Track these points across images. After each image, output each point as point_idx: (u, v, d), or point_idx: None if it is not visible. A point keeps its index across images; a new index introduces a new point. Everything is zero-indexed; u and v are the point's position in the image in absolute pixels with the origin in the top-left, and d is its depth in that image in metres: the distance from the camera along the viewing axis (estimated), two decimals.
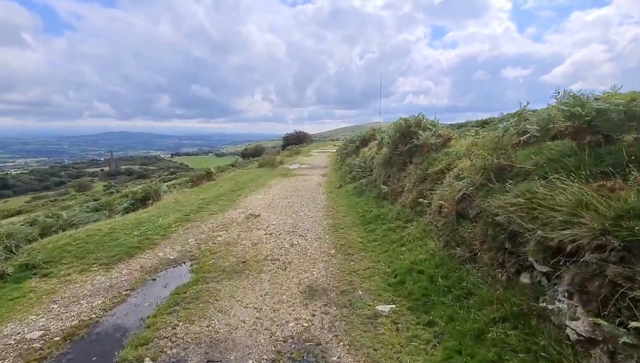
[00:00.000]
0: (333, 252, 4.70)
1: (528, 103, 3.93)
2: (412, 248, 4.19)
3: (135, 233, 5.34)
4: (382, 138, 8.18)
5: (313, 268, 4.21)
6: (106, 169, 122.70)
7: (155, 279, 4.03)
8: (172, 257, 4.62)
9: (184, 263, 4.47)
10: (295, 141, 39.47)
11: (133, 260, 4.50)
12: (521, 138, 3.43)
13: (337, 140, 51.23)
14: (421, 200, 4.45)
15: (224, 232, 5.67)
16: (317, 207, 7.43)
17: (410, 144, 6.45)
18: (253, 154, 51.90)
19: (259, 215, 6.71)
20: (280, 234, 5.54)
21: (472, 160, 3.92)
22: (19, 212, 33.15)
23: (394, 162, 7.20)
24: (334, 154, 24.60)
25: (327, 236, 5.38)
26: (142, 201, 8.33)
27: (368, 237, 5.09)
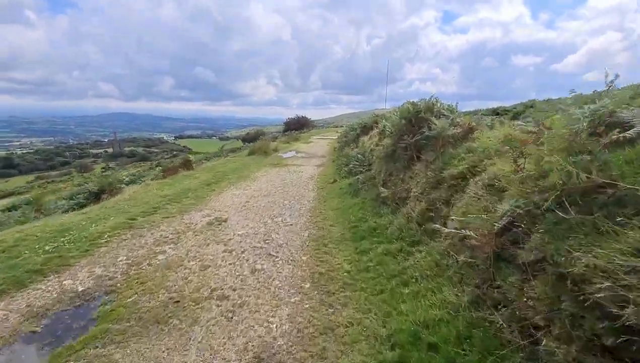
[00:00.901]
0: (307, 286, 3.34)
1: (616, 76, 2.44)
2: (419, 295, 2.81)
3: (48, 247, 4.01)
4: (384, 126, 6.72)
5: (273, 317, 2.86)
6: (110, 150, 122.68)
7: (33, 332, 2.71)
8: (80, 289, 3.29)
9: (94, 299, 3.14)
10: (297, 126, 37.86)
11: (21, 295, 3.17)
12: (619, 135, 1.96)
13: (341, 126, 49.39)
14: (436, 225, 3.02)
15: (172, 246, 4.32)
16: (302, 210, 6.05)
17: (419, 134, 4.97)
18: (254, 138, 50.32)
19: (226, 220, 5.36)
20: (243, 252, 4.18)
21: (519, 166, 2.48)
22: (9, 195, 32.39)
23: (397, 157, 5.74)
24: (334, 142, 23.07)
25: (304, 257, 4.01)
26: (97, 195, 7.02)
27: (358, 264, 3.70)
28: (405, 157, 5.25)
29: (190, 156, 10.37)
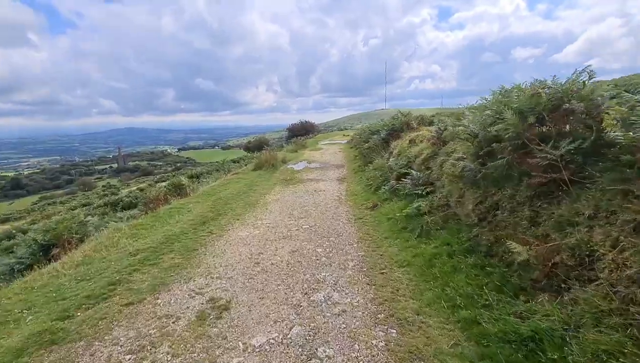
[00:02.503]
0: None
1: None
2: None
3: None
4: (457, 131, 4.46)
5: None
6: (114, 165, 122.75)
7: None
8: None
9: None
10: (301, 132, 35.69)
11: None
12: None
13: (346, 129, 47.13)
14: None
15: None
16: (350, 269, 3.79)
17: (573, 140, 2.71)
18: (256, 147, 48.24)
19: (228, 307, 3.11)
20: None
21: None
22: (4, 221, 30.65)
23: (504, 176, 3.46)
24: (346, 146, 20.82)
25: None
26: (46, 251, 4.84)
27: None
28: (538, 180, 2.96)
29: (183, 180, 8.14)
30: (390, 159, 8.10)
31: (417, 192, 5.27)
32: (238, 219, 6.03)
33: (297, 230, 5.34)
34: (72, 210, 29.03)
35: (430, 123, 12.21)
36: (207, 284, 3.55)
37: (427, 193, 5.12)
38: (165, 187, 8.04)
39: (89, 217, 6.28)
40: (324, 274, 3.69)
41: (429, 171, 5.62)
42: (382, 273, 3.60)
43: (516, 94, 3.38)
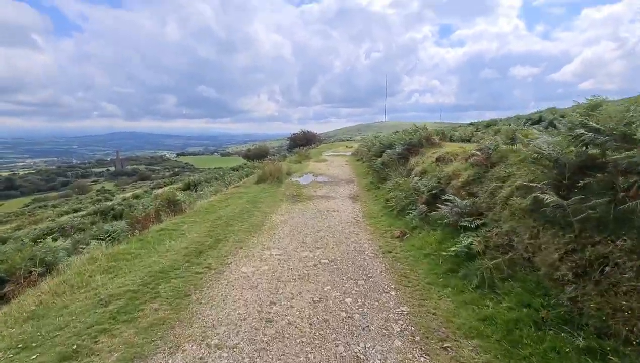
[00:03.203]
0: None
1: None
2: None
3: None
4: (518, 151, 3.52)
5: None
6: (112, 169, 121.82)
7: None
8: None
9: None
10: (303, 142, 34.92)
11: None
12: None
13: (348, 140, 46.35)
14: None
15: None
16: (396, 331, 2.78)
17: None
18: (257, 155, 47.35)
19: None
20: None
21: None
22: None
23: (614, 221, 2.52)
24: (351, 159, 19.94)
25: None
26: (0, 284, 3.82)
27: None
28: None
29: (178, 195, 7.13)
30: (414, 178, 7.16)
31: (463, 224, 4.29)
32: (241, 247, 5.02)
33: (314, 266, 4.34)
34: (61, 216, 27.76)
35: (451, 138, 11.33)
36: (201, 358, 2.53)
37: (477, 226, 4.15)
38: (158, 200, 7.01)
39: (60, 241, 5.20)
40: (363, 345, 2.68)
41: (475, 198, 4.66)
42: (445, 348, 2.60)
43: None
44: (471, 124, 24.99)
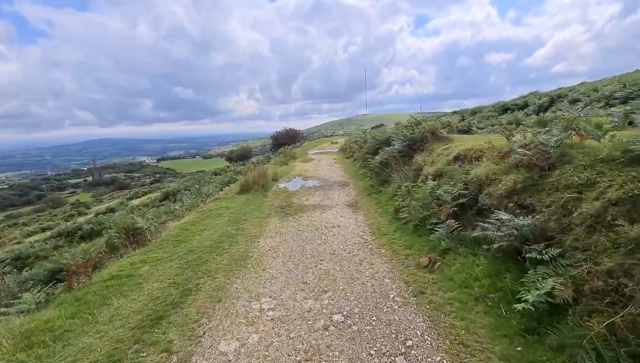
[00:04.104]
0: None
1: None
2: None
3: None
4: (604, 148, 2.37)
5: None
6: (89, 179, 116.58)
7: None
8: None
9: None
10: (286, 140, 33.38)
11: None
12: None
13: (332, 136, 44.92)
14: None
15: None
16: None
17: None
18: (239, 157, 45.39)
19: None
20: None
21: None
22: None
23: None
24: (340, 156, 18.65)
25: None
26: None
27: None
28: None
29: (139, 221, 5.60)
30: (429, 182, 5.92)
31: (529, 255, 3.07)
32: (220, 301, 3.63)
33: (324, 329, 3.02)
34: (28, 236, 25.32)
35: (461, 131, 10.15)
36: None
37: (552, 257, 2.94)
38: (113, 231, 5.49)
39: None
40: None
41: (534, 214, 3.43)
42: None
43: None
44: (455, 112, 24.11)
